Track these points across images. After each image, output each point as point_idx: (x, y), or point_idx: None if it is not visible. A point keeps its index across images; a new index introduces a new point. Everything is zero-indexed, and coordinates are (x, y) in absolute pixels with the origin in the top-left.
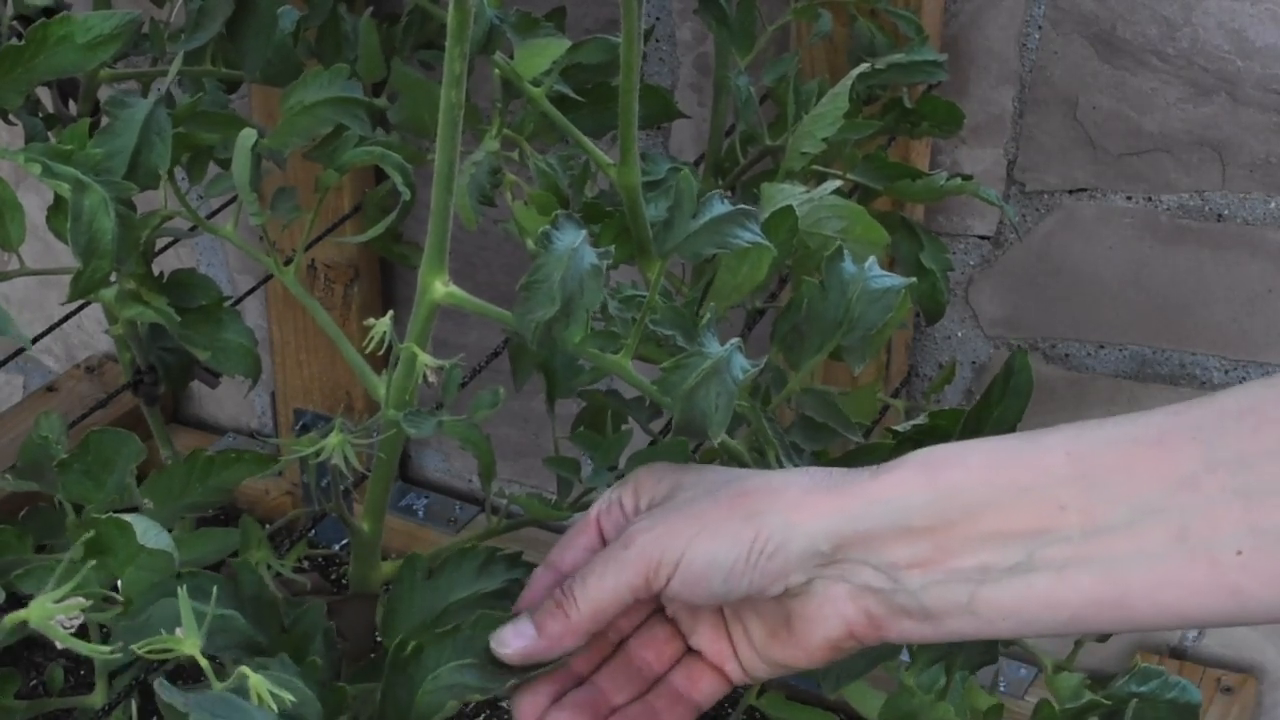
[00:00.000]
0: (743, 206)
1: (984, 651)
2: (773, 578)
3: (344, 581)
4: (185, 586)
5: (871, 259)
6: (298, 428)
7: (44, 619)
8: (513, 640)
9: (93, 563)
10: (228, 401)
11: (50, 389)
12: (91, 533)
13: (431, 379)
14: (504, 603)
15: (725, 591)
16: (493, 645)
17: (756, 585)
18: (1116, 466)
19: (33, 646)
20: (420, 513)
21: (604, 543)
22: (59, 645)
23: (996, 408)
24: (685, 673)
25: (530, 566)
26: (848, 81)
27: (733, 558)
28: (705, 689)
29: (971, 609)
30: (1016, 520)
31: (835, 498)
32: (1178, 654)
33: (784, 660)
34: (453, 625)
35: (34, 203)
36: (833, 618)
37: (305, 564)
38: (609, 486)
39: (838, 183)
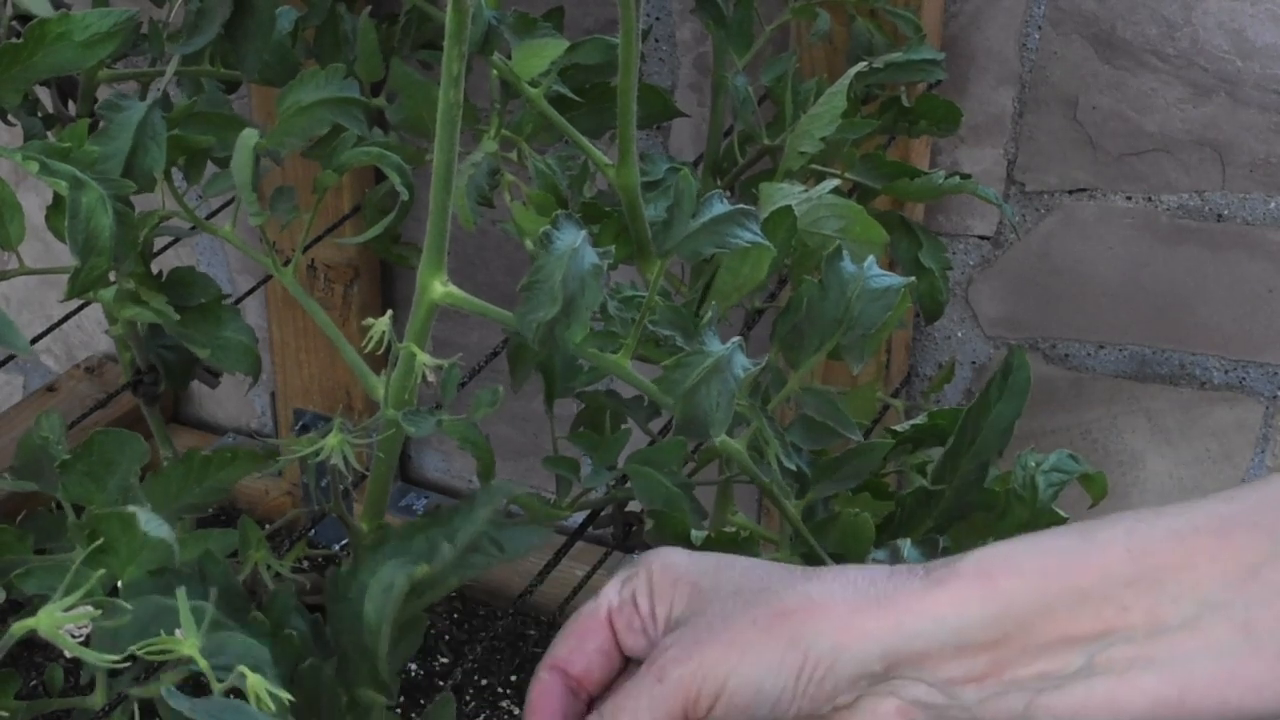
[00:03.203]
0: (742, 206)
1: None
2: (821, 700)
3: None
4: (181, 586)
5: (870, 258)
6: (297, 428)
7: (53, 628)
8: None
9: (102, 572)
10: (228, 401)
11: (50, 389)
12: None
13: (430, 378)
14: (474, 557)
15: (772, 718)
16: None
17: (805, 710)
18: (1178, 562)
19: (33, 647)
20: (420, 513)
21: (617, 643)
22: (68, 654)
23: (995, 406)
24: None
25: (499, 520)
26: (845, 81)
27: (780, 686)
28: None
29: (1027, 716)
30: (1077, 626)
31: (885, 614)
32: None
33: None
34: (380, 534)
35: (34, 203)
36: None
37: (305, 564)
38: (627, 572)
39: (836, 182)
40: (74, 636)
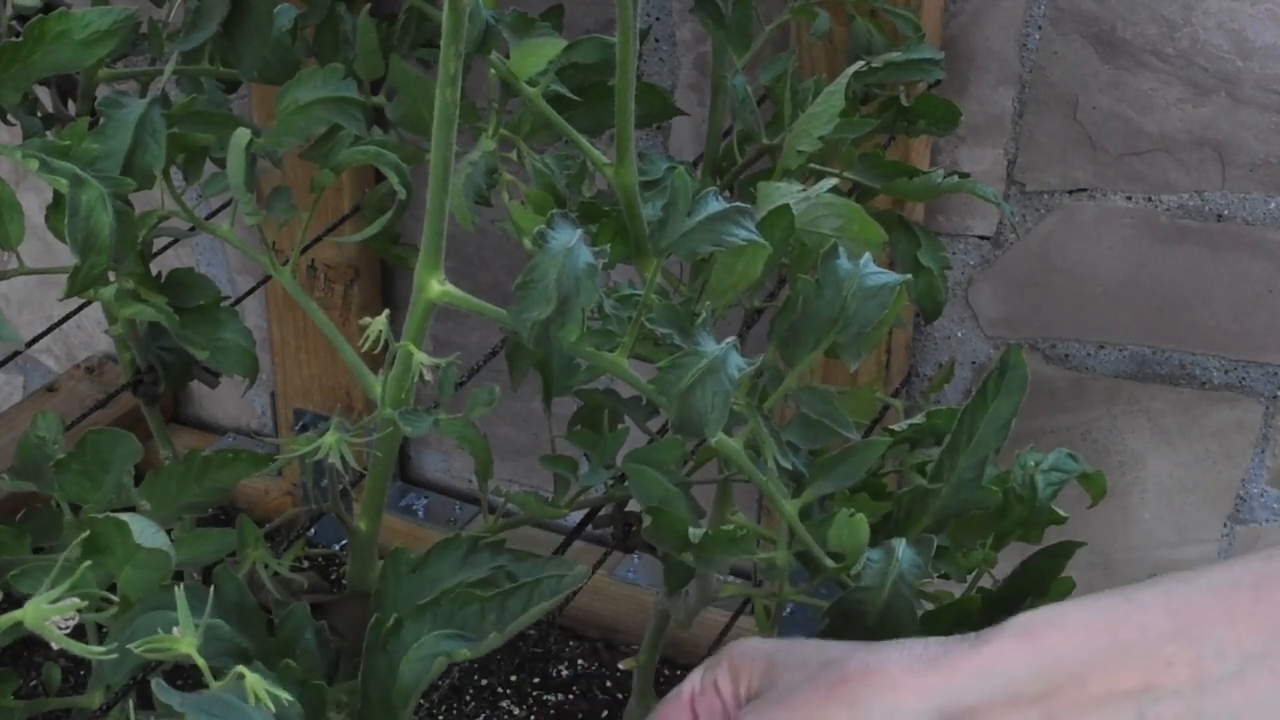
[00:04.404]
0: (738, 204)
1: None
2: None
3: (343, 581)
4: (180, 589)
5: (867, 255)
6: (297, 428)
7: (39, 620)
8: None
9: (88, 563)
10: (228, 402)
11: (50, 389)
12: (88, 532)
13: (428, 377)
14: (498, 597)
15: None
16: None
17: None
18: (1218, 616)
19: (32, 646)
20: (420, 513)
21: None
22: (55, 646)
23: (992, 404)
24: None
25: (515, 553)
26: (843, 79)
27: None
28: None
29: None
30: (1124, 680)
31: (936, 673)
32: None
33: None
34: (434, 597)
35: (33, 203)
36: None
37: (305, 563)
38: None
39: (834, 181)
40: (61, 629)
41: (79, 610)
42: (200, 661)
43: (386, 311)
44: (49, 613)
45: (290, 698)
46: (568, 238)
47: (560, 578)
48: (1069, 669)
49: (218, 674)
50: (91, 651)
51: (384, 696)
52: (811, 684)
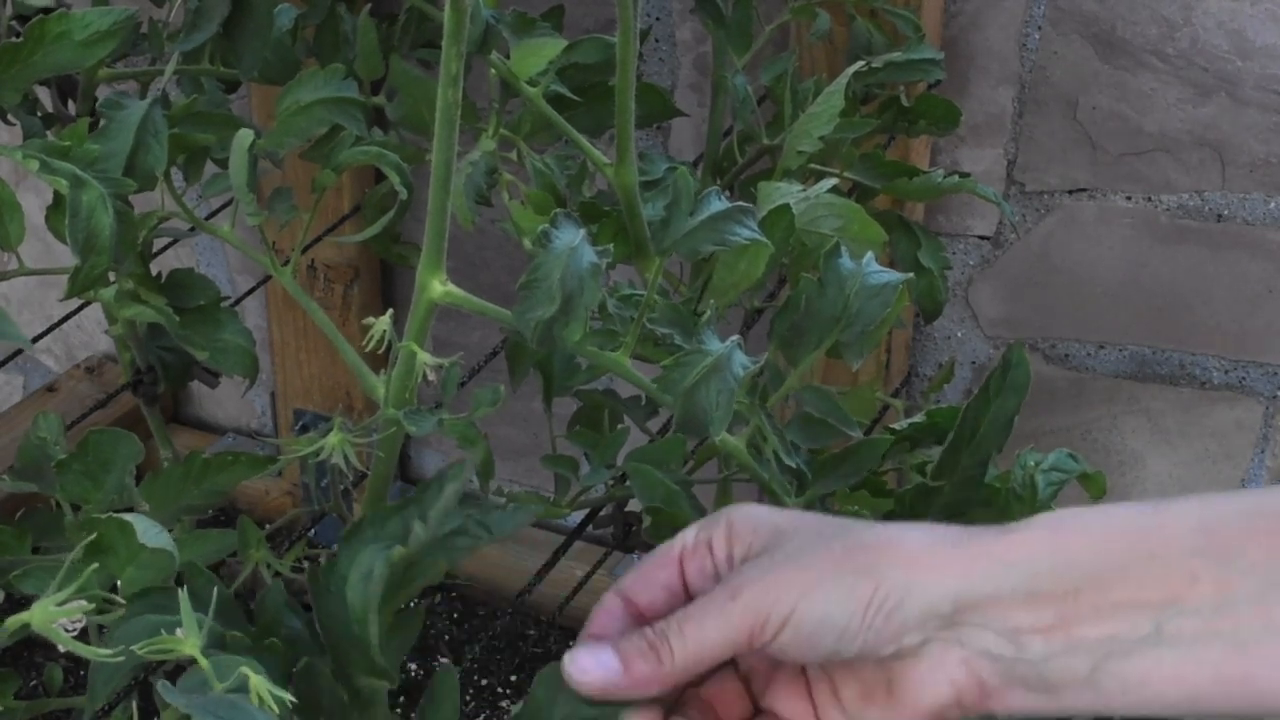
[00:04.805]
0: (740, 204)
1: None
2: (887, 638)
3: None
4: (183, 591)
5: (869, 254)
6: (297, 428)
7: (46, 622)
8: (593, 668)
9: (95, 565)
10: (228, 402)
11: (50, 389)
12: (93, 533)
13: (431, 377)
14: (459, 539)
15: (836, 650)
16: (567, 668)
17: (870, 645)
18: (1247, 539)
19: (33, 646)
20: None
21: (685, 585)
22: (61, 649)
23: (993, 402)
24: None
25: (486, 504)
26: (843, 79)
27: (847, 615)
28: None
29: (1093, 682)
30: (1146, 590)
31: (958, 556)
32: None
33: None
34: (358, 523)
35: (34, 203)
36: (942, 684)
37: (305, 563)
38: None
39: (834, 181)
40: (67, 631)
41: (85, 613)
42: (203, 662)
43: (390, 311)
44: (56, 615)
45: (292, 699)
46: (571, 237)
47: (463, 464)
48: (1092, 571)
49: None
50: (97, 654)
51: (346, 632)
52: (824, 547)
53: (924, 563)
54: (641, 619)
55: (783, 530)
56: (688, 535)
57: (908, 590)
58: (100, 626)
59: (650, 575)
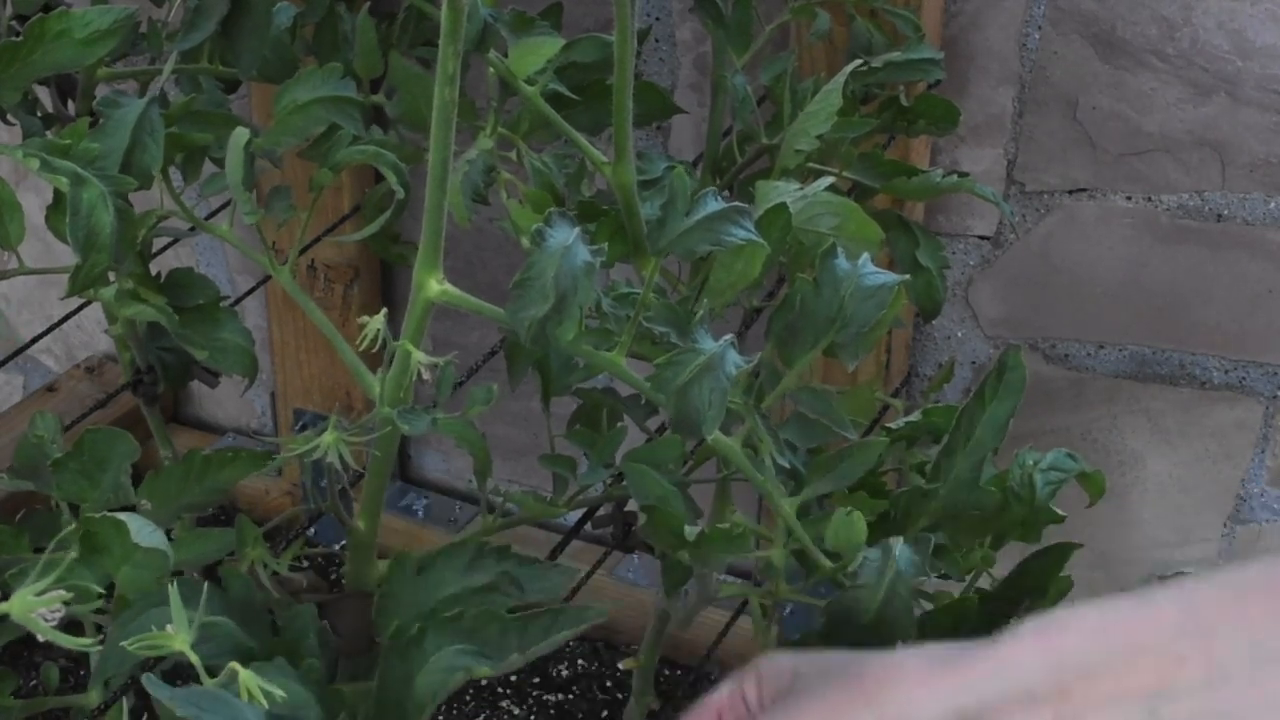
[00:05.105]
0: (736, 204)
1: None
2: None
3: (343, 580)
4: (174, 587)
5: (865, 255)
6: (297, 428)
7: (25, 612)
8: None
9: (74, 555)
10: (228, 402)
11: (50, 389)
12: (84, 530)
13: (426, 376)
14: (492, 596)
15: None
16: None
17: None
18: (1232, 615)
19: (31, 646)
20: (420, 513)
21: None
22: (40, 638)
23: (990, 404)
24: None
25: (519, 559)
26: (841, 79)
27: None
28: None
29: None
30: (1137, 678)
31: (953, 673)
32: None
33: None
34: (457, 612)
35: (34, 203)
36: None
37: (305, 563)
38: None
39: (831, 180)
40: (47, 621)
41: (65, 603)
42: (194, 658)
43: (384, 310)
44: (35, 604)
45: (283, 695)
46: (565, 236)
47: (584, 610)
48: (1082, 668)
49: (215, 672)
50: (80, 644)
51: (398, 703)
52: (831, 683)
53: (922, 682)
54: None
55: (799, 671)
56: (724, 689)
57: (908, 710)
58: (99, 627)
59: None
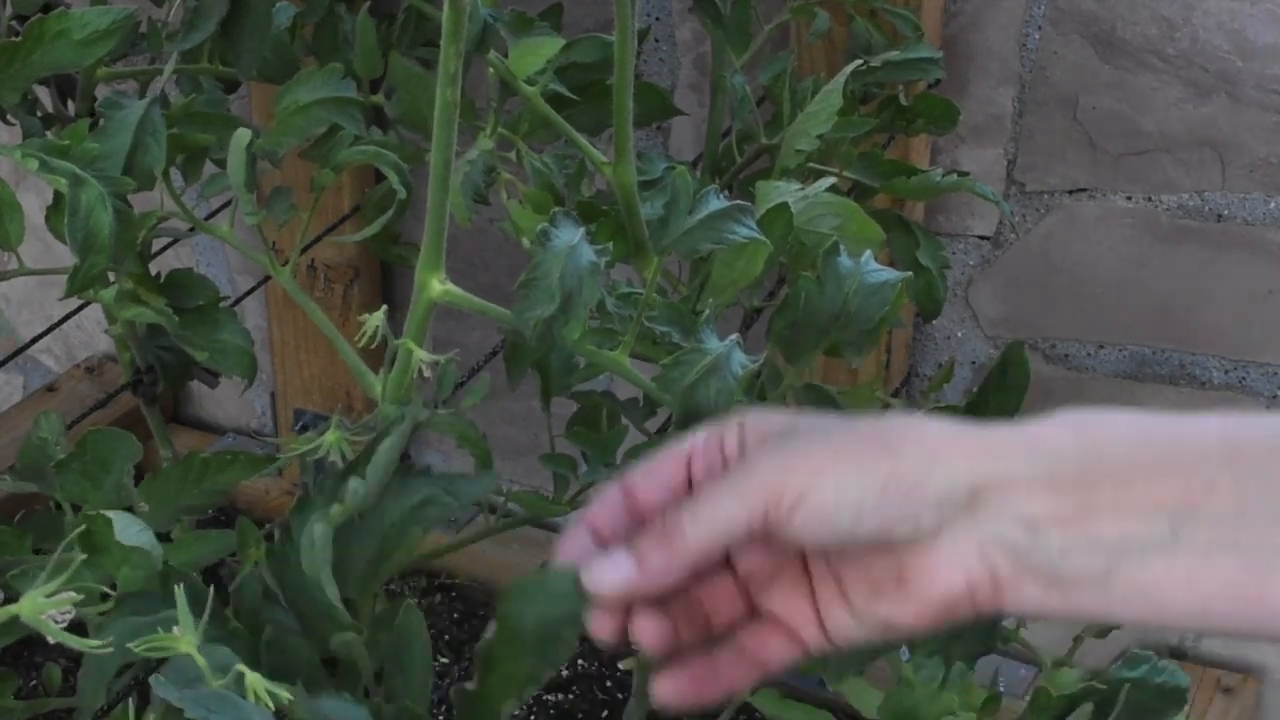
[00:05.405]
0: (739, 202)
1: (982, 641)
2: (903, 517)
3: None
4: (180, 589)
5: (867, 253)
6: (297, 428)
7: (35, 614)
8: (610, 574)
9: (82, 556)
10: (228, 402)
11: (50, 389)
12: (83, 529)
13: (427, 374)
14: (430, 509)
15: (851, 530)
16: (585, 582)
17: (886, 525)
18: (1270, 457)
19: (32, 646)
20: None
21: (690, 484)
22: (50, 640)
23: (992, 401)
24: (753, 633)
25: (447, 476)
26: (840, 79)
27: (864, 491)
28: (776, 653)
29: (1105, 583)
30: (1165, 492)
31: (980, 441)
32: (1178, 654)
33: (888, 618)
34: (302, 500)
35: (34, 203)
36: (956, 573)
37: None
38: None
39: (832, 180)
40: (57, 623)
41: (74, 604)
42: (200, 660)
43: (384, 308)
44: (45, 606)
45: (289, 697)
46: (571, 236)
47: (400, 420)
48: (1112, 467)
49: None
50: (89, 645)
51: (308, 599)
52: (844, 431)
53: (945, 446)
54: (640, 516)
55: (797, 424)
56: (698, 436)
57: (927, 470)
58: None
59: (655, 471)
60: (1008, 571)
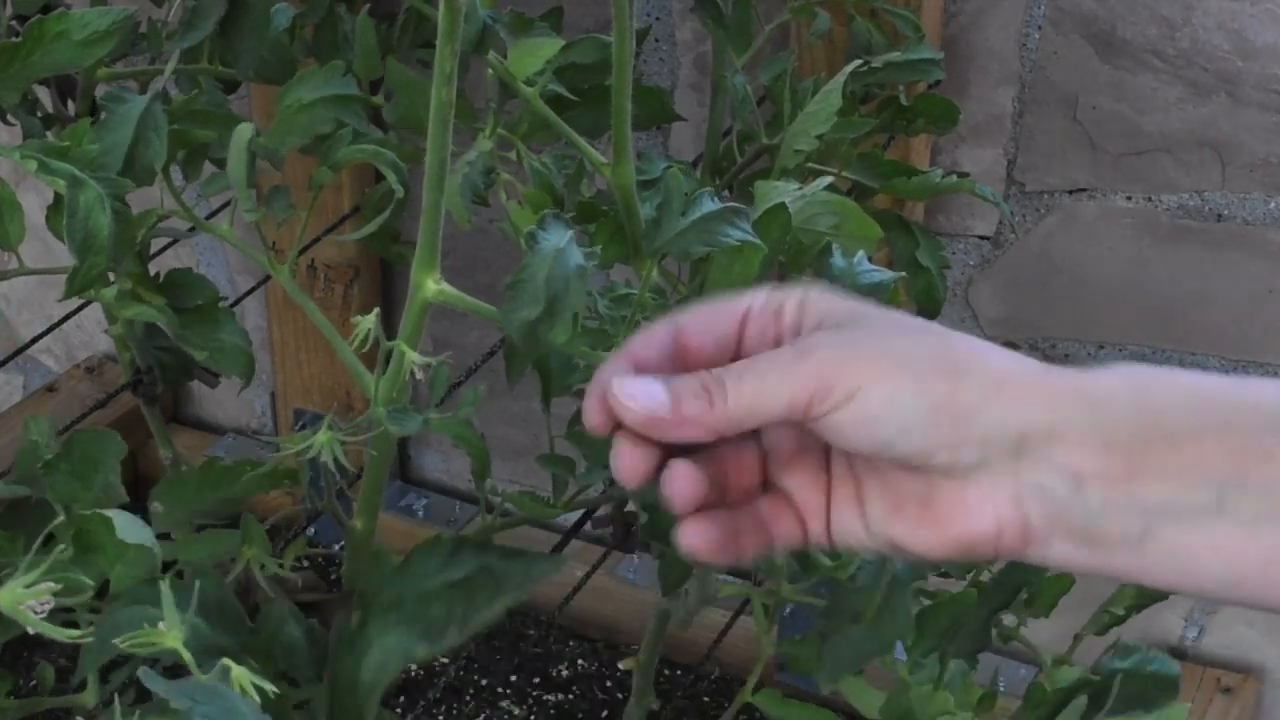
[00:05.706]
0: (732, 204)
1: (977, 638)
2: (945, 446)
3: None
4: (165, 584)
5: (860, 253)
6: (297, 428)
7: (13, 604)
8: (641, 395)
9: (63, 548)
10: (228, 401)
11: (50, 389)
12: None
13: (420, 376)
14: (465, 591)
15: (889, 444)
16: (614, 391)
17: (927, 448)
18: None
19: (29, 646)
20: (420, 513)
21: (740, 344)
22: (30, 630)
23: None
24: (768, 504)
25: (502, 551)
26: (840, 79)
27: (914, 409)
28: (783, 530)
29: (1140, 546)
30: (1216, 457)
31: (1043, 382)
32: (1178, 654)
33: (901, 540)
34: (395, 596)
35: (34, 203)
36: (986, 514)
37: (305, 563)
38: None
39: (830, 180)
40: (37, 614)
41: (55, 595)
42: (186, 655)
43: (377, 310)
44: (23, 596)
45: (277, 690)
46: (559, 238)
47: (528, 570)
48: (1167, 428)
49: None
50: (68, 635)
51: (350, 695)
52: (912, 336)
53: (1008, 381)
54: (684, 360)
55: (863, 313)
56: (758, 296)
57: (983, 404)
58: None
59: (708, 321)
60: (1040, 522)
